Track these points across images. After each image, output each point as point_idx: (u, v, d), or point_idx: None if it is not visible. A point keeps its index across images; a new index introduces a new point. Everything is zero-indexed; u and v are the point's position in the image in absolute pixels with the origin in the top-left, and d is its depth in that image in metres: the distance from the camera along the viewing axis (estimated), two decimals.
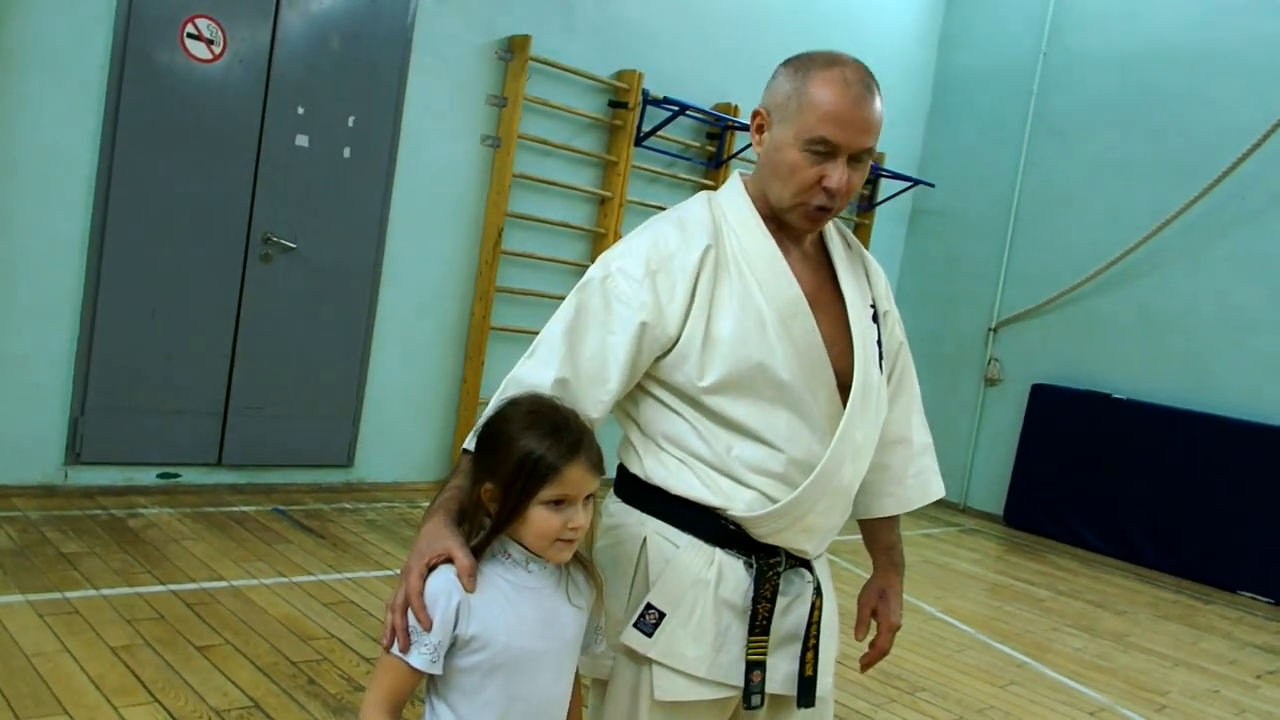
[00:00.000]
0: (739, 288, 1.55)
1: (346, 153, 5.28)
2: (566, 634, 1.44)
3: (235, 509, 4.80)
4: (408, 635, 1.34)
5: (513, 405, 1.42)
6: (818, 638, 1.63)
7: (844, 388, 1.59)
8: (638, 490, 1.62)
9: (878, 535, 1.90)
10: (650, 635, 1.54)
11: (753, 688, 1.56)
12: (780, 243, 1.60)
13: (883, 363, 1.69)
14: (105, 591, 3.58)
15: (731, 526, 1.56)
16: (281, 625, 3.53)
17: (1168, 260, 6.88)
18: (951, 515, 7.58)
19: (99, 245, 4.58)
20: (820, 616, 1.64)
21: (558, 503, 1.36)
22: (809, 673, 1.61)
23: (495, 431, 1.40)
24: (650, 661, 1.55)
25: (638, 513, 1.61)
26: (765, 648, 1.57)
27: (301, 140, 5.12)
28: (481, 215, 5.78)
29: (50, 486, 4.59)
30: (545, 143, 5.88)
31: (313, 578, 4.06)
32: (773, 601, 1.57)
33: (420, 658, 1.34)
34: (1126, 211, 6.99)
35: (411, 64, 5.45)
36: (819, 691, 1.64)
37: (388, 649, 1.35)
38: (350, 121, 5.27)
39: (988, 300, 7.71)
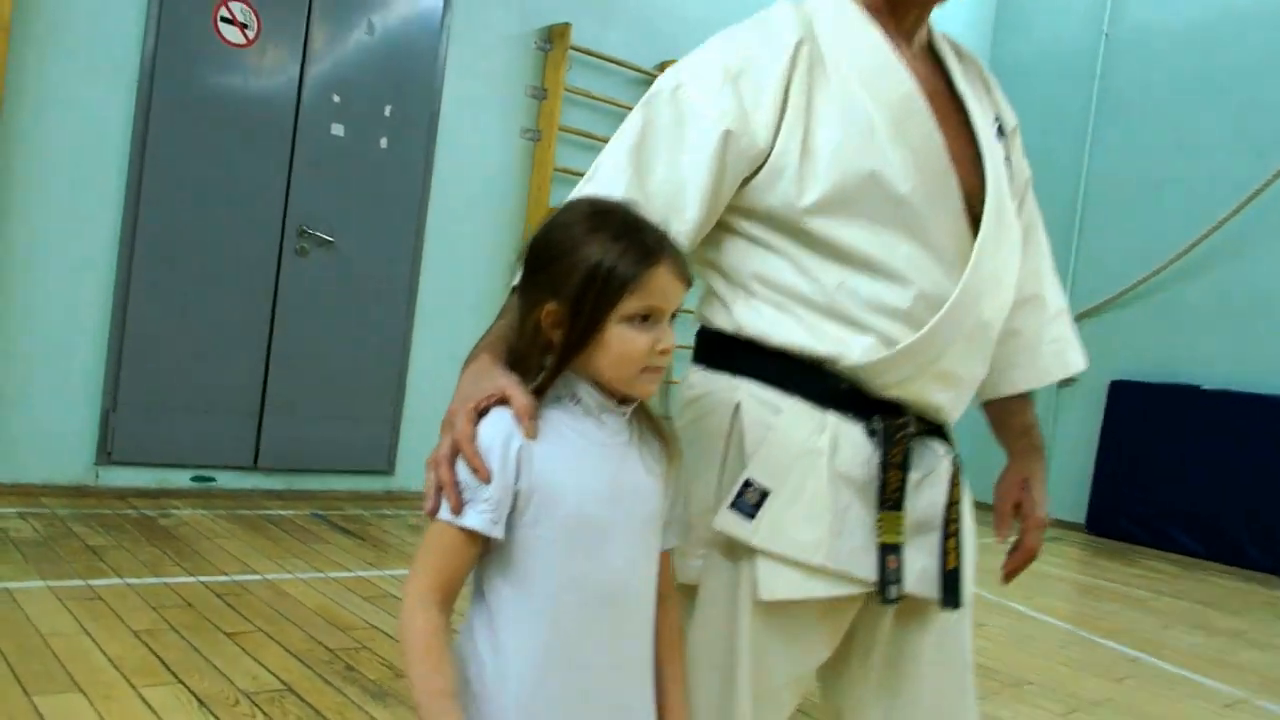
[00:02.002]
0: (840, 89, 1.27)
1: (384, 143, 5.09)
2: (645, 508, 1.13)
3: (272, 512, 4.54)
4: (459, 492, 1.04)
5: (569, 209, 1.12)
6: (959, 522, 1.30)
7: (971, 214, 1.29)
8: (726, 348, 1.31)
9: (1010, 417, 1.56)
10: (751, 517, 1.22)
11: (889, 575, 1.24)
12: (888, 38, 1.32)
13: (1011, 189, 1.36)
14: (131, 580, 3.33)
15: (845, 384, 1.25)
16: (317, 615, 3.26)
17: (1251, 241, 6.51)
18: None
19: (131, 237, 4.40)
20: (961, 495, 1.32)
21: (644, 318, 1.06)
22: (952, 565, 1.29)
23: (553, 240, 1.09)
24: (751, 554, 1.23)
25: (727, 376, 1.29)
26: (900, 526, 1.25)
27: (337, 130, 4.94)
28: (523, 210, 5.57)
29: (81, 487, 4.38)
30: (587, 135, 5.66)
31: (350, 573, 3.78)
32: (904, 470, 1.26)
33: (478, 516, 1.03)
34: (1203, 192, 6.62)
35: (448, 53, 5.28)
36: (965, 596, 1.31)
37: (433, 513, 1.05)
38: (387, 111, 5.09)
39: None
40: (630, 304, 1.05)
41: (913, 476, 1.27)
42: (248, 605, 3.25)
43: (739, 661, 1.24)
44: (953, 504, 1.30)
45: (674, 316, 1.11)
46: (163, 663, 2.69)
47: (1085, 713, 3.14)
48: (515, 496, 1.05)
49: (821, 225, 1.24)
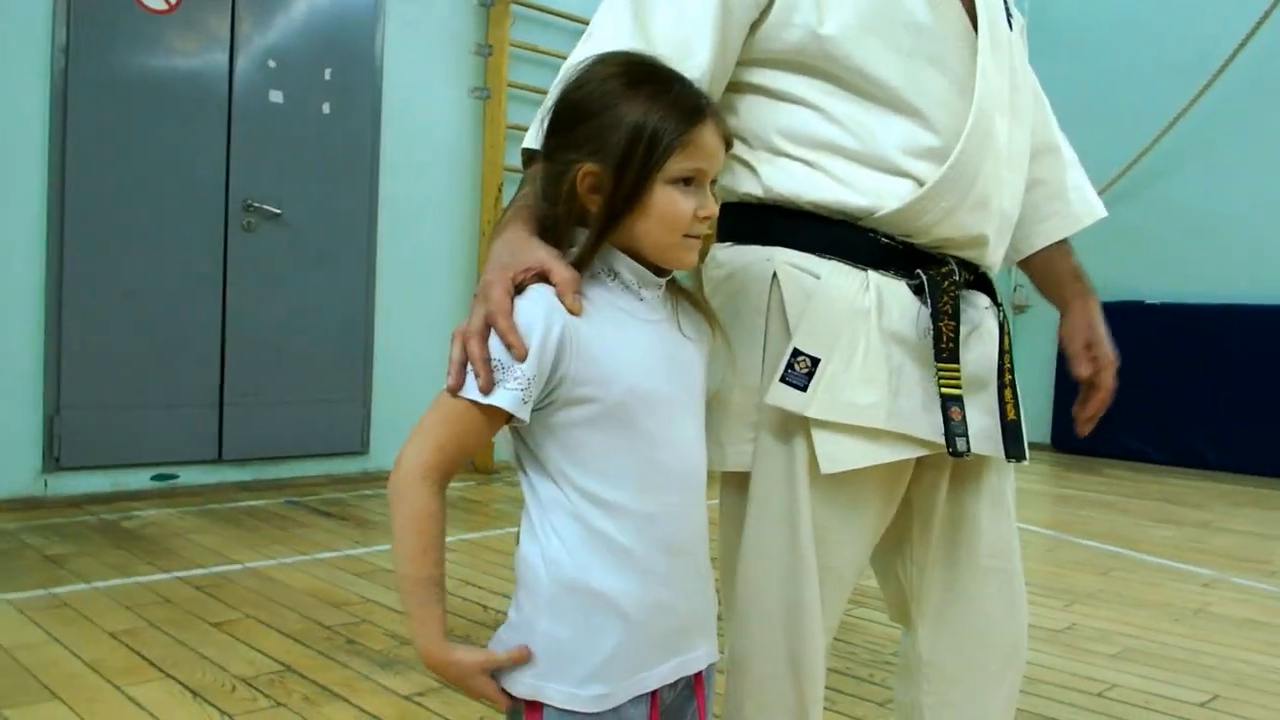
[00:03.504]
0: None
1: (326, 108, 4.81)
2: (695, 378, 1.08)
3: (244, 504, 4.27)
4: (489, 368, 0.93)
5: (596, 65, 1.02)
6: (1013, 372, 1.29)
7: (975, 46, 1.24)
8: (755, 218, 1.23)
9: (1055, 266, 1.51)
10: (804, 389, 1.15)
11: (955, 428, 1.19)
12: None
13: (1012, 22, 1.31)
14: (99, 584, 3.06)
15: (884, 238, 1.20)
16: (310, 596, 3.02)
17: (1179, 162, 6.69)
18: None
19: (59, 228, 4.08)
20: (1011, 345, 1.30)
21: (686, 181, 0.99)
22: (1012, 416, 1.26)
23: (586, 98, 0.99)
24: (806, 429, 1.16)
25: (758, 248, 1.22)
26: (959, 378, 1.20)
27: (276, 97, 4.65)
28: (479, 171, 5.33)
29: (30, 498, 4.07)
30: (538, 91, 5.40)
31: (339, 553, 3.53)
32: (956, 320, 1.20)
33: (510, 395, 0.93)
34: (1135, 117, 6.78)
35: (387, 13, 5.01)
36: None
37: (456, 390, 0.94)
38: (327, 75, 4.82)
39: None
40: (677, 165, 0.98)
41: (961, 330, 1.22)
42: (232, 595, 3.00)
43: (802, 543, 1.19)
44: (1004, 354, 1.28)
45: (713, 184, 1.04)
46: (147, 660, 2.45)
47: (1083, 604, 3.24)
48: (561, 382, 0.96)
49: (849, 54, 1.17)
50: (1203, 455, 6.47)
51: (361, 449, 4.95)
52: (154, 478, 4.35)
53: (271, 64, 4.64)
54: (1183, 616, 3.10)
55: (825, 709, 2.24)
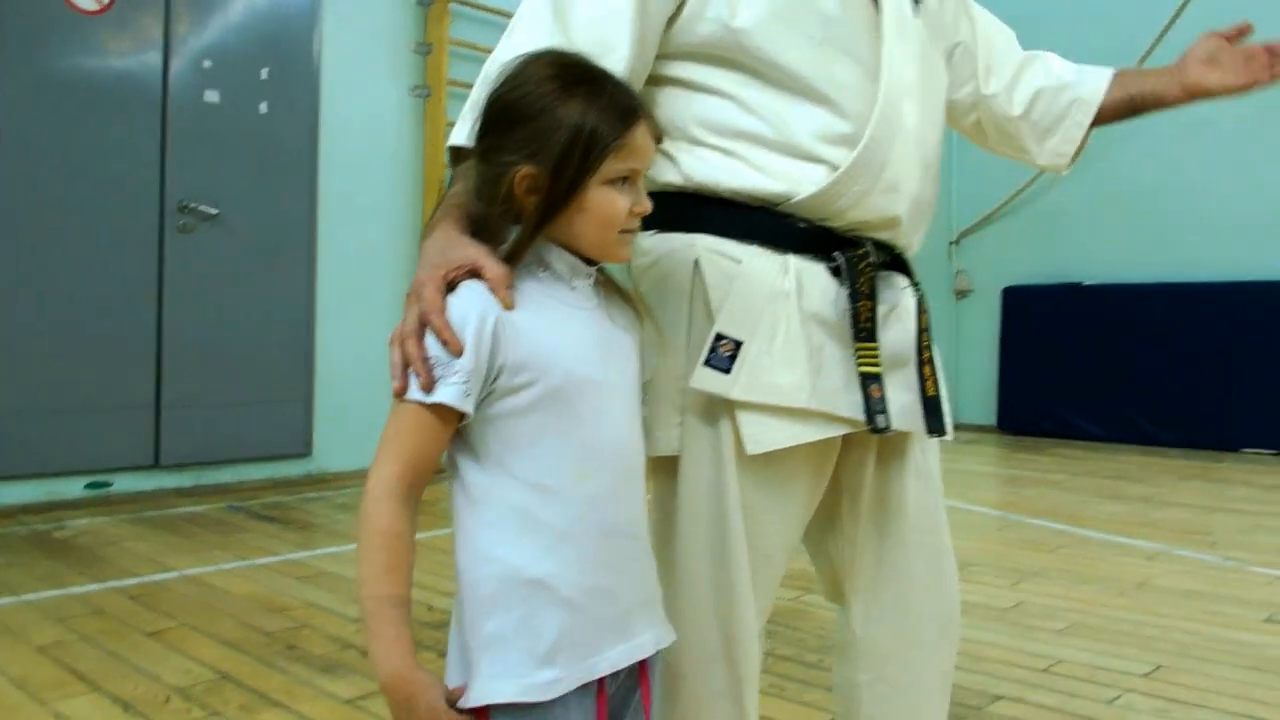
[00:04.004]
0: None
1: (263, 108, 4.74)
2: (628, 364, 1.09)
3: (183, 510, 4.18)
4: (429, 367, 0.95)
5: (531, 64, 1.03)
6: (931, 349, 1.31)
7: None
8: (678, 205, 1.24)
9: (1129, 85, 1.48)
10: (728, 371, 1.17)
11: (875, 405, 1.21)
12: None
13: (919, 6, 1.33)
14: (27, 597, 2.97)
15: (802, 222, 1.22)
16: (249, 602, 2.95)
17: (1111, 143, 6.66)
18: None
19: None
20: (929, 323, 1.32)
21: (623, 180, 1.02)
22: (931, 392, 1.29)
23: (521, 99, 1.00)
24: (732, 411, 1.19)
25: (680, 235, 1.24)
26: (877, 356, 1.23)
27: (211, 96, 4.57)
28: (420, 169, 5.27)
29: None
30: None
31: (281, 558, 3.46)
32: (873, 299, 1.23)
33: (452, 390, 0.94)
34: None
35: (324, 11, 4.94)
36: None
37: (401, 393, 0.96)
38: (264, 74, 4.74)
39: (943, 214, 7.55)
40: (613, 166, 1.00)
41: (880, 309, 1.25)
42: (168, 603, 2.93)
43: (731, 525, 1.20)
44: (922, 331, 1.30)
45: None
46: (76, 674, 2.37)
47: (1030, 582, 3.26)
48: (500, 372, 0.98)
49: (760, 46, 1.20)
50: (1147, 431, 6.60)
51: (305, 451, 4.87)
52: (87, 486, 4.25)
53: (207, 64, 4.56)
54: (1127, 590, 3.12)
55: (775, 696, 2.23)
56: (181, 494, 4.45)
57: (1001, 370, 7.27)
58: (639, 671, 1.07)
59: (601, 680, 1.01)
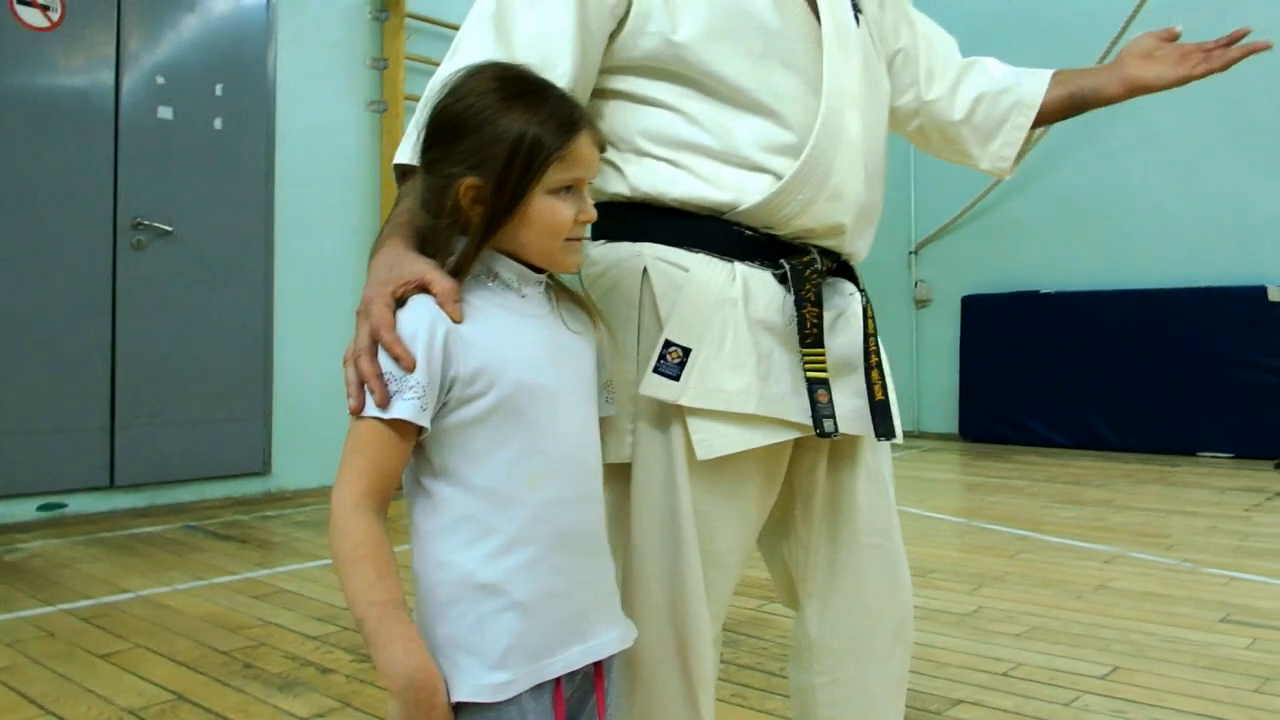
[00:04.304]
0: None
1: (218, 124, 4.70)
2: (582, 369, 1.10)
3: (139, 530, 4.11)
4: (383, 383, 0.95)
5: (472, 77, 1.04)
6: (879, 354, 1.32)
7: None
8: (624, 215, 1.27)
9: (1069, 83, 1.50)
10: (677, 378, 1.18)
11: (822, 409, 1.22)
12: None
13: (860, 16, 1.35)
14: None
15: (748, 230, 1.24)
16: (205, 622, 2.90)
17: (1062, 153, 6.88)
18: (908, 441, 7.34)
19: None
20: (876, 329, 1.34)
21: (567, 188, 1.03)
22: (880, 396, 1.30)
23: (464, 111, 1.01)
24: (683, 417, 1.20)
25: (628, 244, 1.25)
26: (824, 362, 1.24)
27: (165, 113, 4.53)
28: (377, 183, 5.26)
29: None
30: None
31: (238, 576, 3.42)
32: (819, 306, 1.24)
33: (408, 405, 0.95)
34: None
35: (278, 27, 4.92)
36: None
37: (357, 411, 0.96)
38: (218, 90, 4.70)
39: (903, 225, 7.62)
40: (556, 175, 1.01)
41: (827, 315, 1.26)
42: (122, 624, 2.88)
43: (684, 530, 1.21)
44: (869, 336, 1.31)
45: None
46: (26, 698, 2.33)
47: (989, 586, 3.28)
48: (453, 384, 0.98)
49: (701, 59, 1.21)
50: (1105, 437, 6.65)
51: (263, 469, 4.82)
52: (41, 508, 4.18)
53: (160, 80, 4.52)
54: (1085, 593, 3.15)
55: (736, 704, 2.23)
56: (137, 514, 4.39)
57: (962, 378, 7.32)
58: (595, 675, 1.08)
59: (558, 681, 1.02)
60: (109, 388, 4.33)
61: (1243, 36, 1.41)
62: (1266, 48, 1.39)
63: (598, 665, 1.07)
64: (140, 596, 3.16)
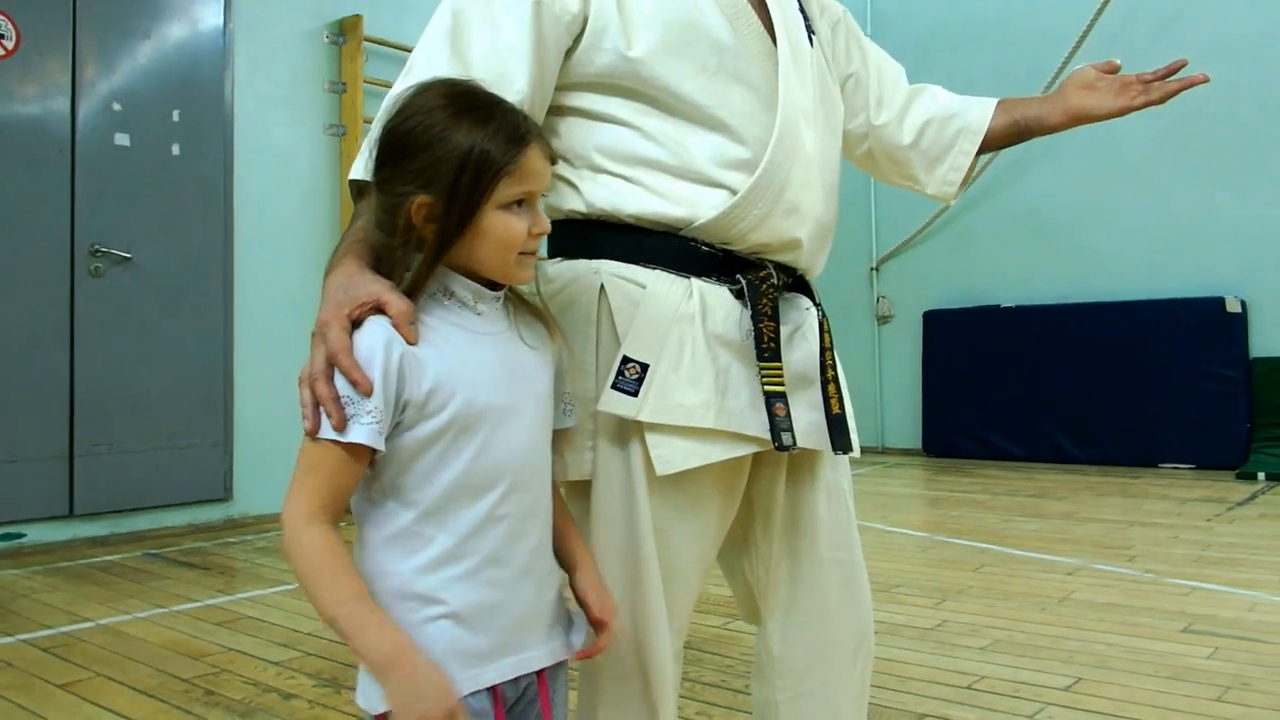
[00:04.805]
0: None
1: (175, 150, 4.67)
2: (537, 386, 1.10)
3: (98, 559, 4.05)
4: (340, 406, 0.96)
5: (421, 94, 1.04)
6: (835, 368, 1.33)
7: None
8: (580, 232, 1.27)
9: (1012, 111, 1.53)
10: (635, 394, 1.19)
11: (780, 423, 1.22)
12: None
13: (813, 38, 1.38)
14: None
15: (704, 246, 1.25)
16: (166, 650, 2.87)
17: (1021, 168, 6.97)
18: (871, 456, 7.37)
19: None
20: (832, 343, 1.34)
21: (518, 202, 1.03)
22: (836, 410, 1.30)
23: (414, 129, 1.02)
24: (640, 433, 1.20)
25: (586, 260, 1.26)
26: (782, 376, 1.25)
27: (122, 139, 4.50)
28: (337, 207, 5.23)
29: None
30: None
31: (199, 604, 3.37)
32: (776, 320, 1.25)
33: (364, 429, 0.96)
34: None
35: (234, 52, 4.90)
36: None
37: (313, 433, 0.96)
38: (175, 116, 4.68)
39: (864, 241, 7.68)
40: (507, 190, 1.01)
41: (783, 330, 1.27)
42: (81, 654, 2.84)
43: (644, 546, 1.21)
44: (825, 351, 1.31)
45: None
46: None
47: (953, 600, 3.30)
48: (406, 406, 0.99)
49: (656, 75, 1.22)
50: (1067, 450, 6.70)
51: (225, 495, 4.77)
52: None
53: (116, 107, 4.49)
54: (1048, 605, 3.18)
55: None
56: (97, 543, 4.33)
57: (924, 393, 7.36)
58: (539, 682, 1.09)
59: (496, 689, 1.03)
60: (68, 415, 4.27)
61: (1180, 69, 1.45)
62: (1203, 81, 1.43)
63: (540, 676, 1.08)
64: (100, 625, 3.12)
